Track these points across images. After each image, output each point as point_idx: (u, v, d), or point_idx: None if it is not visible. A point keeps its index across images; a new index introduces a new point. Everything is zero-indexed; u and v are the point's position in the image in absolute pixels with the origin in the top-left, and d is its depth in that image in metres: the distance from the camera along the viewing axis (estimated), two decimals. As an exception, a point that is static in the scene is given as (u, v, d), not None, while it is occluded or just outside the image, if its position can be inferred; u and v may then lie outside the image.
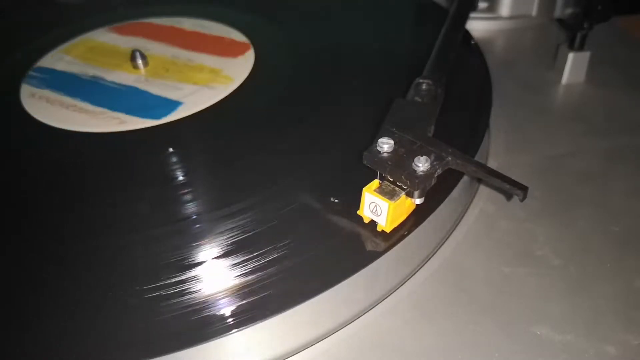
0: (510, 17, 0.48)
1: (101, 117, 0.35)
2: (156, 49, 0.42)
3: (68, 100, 0.37)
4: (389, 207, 0.24)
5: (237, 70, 0.38)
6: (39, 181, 0.31)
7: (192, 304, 0.23)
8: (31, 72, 0.40)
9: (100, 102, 0.36)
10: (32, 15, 0.50)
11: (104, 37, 0.44)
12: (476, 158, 0.30)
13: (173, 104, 0.35)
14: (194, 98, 0.36)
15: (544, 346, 0.24)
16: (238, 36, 0.42)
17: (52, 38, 0.44)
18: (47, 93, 0.38)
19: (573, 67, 0.40)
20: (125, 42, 0.43)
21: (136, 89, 0.38)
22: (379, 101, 0.30)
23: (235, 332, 0.22)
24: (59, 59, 0.42)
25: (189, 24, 0.45)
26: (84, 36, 0.44)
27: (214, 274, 0.24)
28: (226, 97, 0.36)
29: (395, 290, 0.26)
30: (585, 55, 0.40)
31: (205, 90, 0.36)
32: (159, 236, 0.26)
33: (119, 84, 0.38)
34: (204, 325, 0.22)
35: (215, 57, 0.40)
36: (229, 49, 0.40)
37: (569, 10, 0.48)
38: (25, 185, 0.31)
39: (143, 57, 0.40)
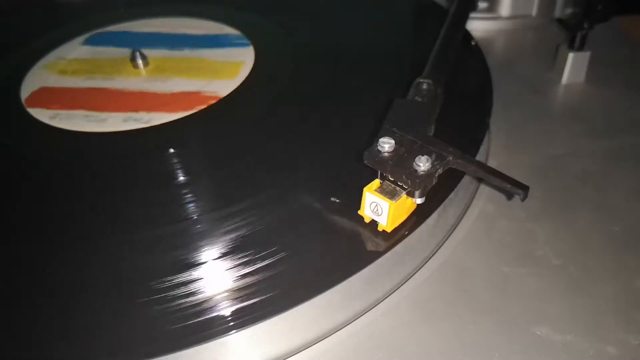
0: (510, 17, 0.48)
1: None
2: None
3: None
4: (389, 206, 0.24)
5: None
6: (40, 181, 0.31)
7: (193, 304, 0.23)
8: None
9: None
10: (32, 15, 0.50)
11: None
12: (476, 158, 0.30)
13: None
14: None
15: (544, 346, 0.24)
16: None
17: (52, 38, 0.44)
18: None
19: (573, 67, 0.40)
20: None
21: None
22: (379, 101, 0.30)
23: (235, 332, 0.22)
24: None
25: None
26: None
27: (214, 275, 0.24)
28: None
29: (395, 290, 0.26)
30: (585, 55, 0.40)
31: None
32: (159, 236, 0.26)
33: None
34: (204, 326, 0.22)
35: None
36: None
37: (569, 10, 0.48)
38: (25, 184, 0.31)
39: (143, 57, 0.40)
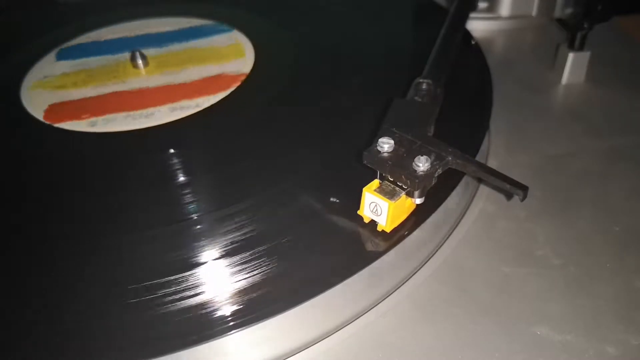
0: (510, 17, 0.48)
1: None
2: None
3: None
4: (389, 206, 0.24)
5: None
6: (41, 179, 0.31)
7: (193, 304, 0.23)
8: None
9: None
10: (32, 15, 0.50)
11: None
12: (476, 158, 0.30)
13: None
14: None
15: (544, 346, 0.24)
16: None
17: (52, 38, 0.44)
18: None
19: (573, 67, 0.40)
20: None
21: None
22: (378, 101, 0.30)
23: (235, 332, 0.22)
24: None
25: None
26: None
27: (214, 275, 0.24)
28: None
29: (395, 290, 0.26)
30: (585, 55, 0.40)
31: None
32: (159, 236, 0.26)
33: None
34: (204, 326, 0.22)
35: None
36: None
37: (569, 10, 0.48)
38: (26, 182, 0.31)
39: (143, 57, 0.40)
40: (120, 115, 0.35)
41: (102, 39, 0.45)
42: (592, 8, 0.38)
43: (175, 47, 0.42)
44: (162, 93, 0.37)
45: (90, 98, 0.38)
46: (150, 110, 0.35)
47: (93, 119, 0.35)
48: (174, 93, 0.37)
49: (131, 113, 0.35)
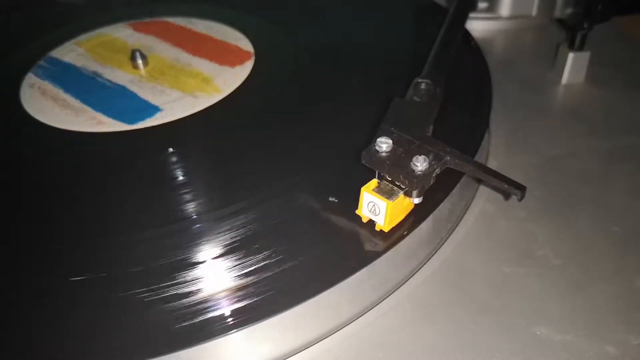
0: (510, 17, 0.48)
1: (82, 116, 0.36)
2: (162, 49, 0.42)
3: (61, 94, 0.38)
4: (387, 206, 0.24)
5: (229, 80, 0.38)
6: (37, 178, 0.31)
7: (192, 304, 0.23)
8: (41, 62, 0.42)
9: (87, 100, 0.37)
10: (35, 14, 0.51)
11: (118, 32, 0.45)
12: (476, 158, 0.30)
13: (152, 110, 0.36)
14: (175, 105, 0.36)
15: (544, 346, 0.24)
16: (245, 44, 0.42)
17: (69, 30, 0.45)
18: (46, 85, 0.39)
19: (573, 67, 0.40)
20: (136, 39, 0.44)
21: (125, 89, 0.38)
22: (378, 101, 0.30)
23: (235, 332, 0.22)
24: (70, 50, 0.43)
25: (201, 26, 0.45)
26: (100, 30, 0.45)
27: (214, 274, 0.24)
28: (205, 109, 0.35)
29: (395, 290, 0.26)
30: (585, 55, 0.40)
31: (188, 99, 0.36)
32: (158, 236, 0.26)
33: (113, 83, 0.39)
34: (204, 325, 0.22)
35: (214, 64, 0.40)
36: (230, 57, 0.40)
37: (569, 10, 0.48)
38: (21, 181, 0.31)
39: (143, 57, 0.40)
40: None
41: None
42: (592, 8, 0.38)
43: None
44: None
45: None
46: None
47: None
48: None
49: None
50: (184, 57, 0.41)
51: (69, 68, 0.41)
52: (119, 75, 0.40)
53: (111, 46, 0.43)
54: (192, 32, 0.45)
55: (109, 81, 0.39)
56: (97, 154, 0.33)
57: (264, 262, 0.24)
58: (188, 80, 0.38)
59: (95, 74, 0.40)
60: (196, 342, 0.21)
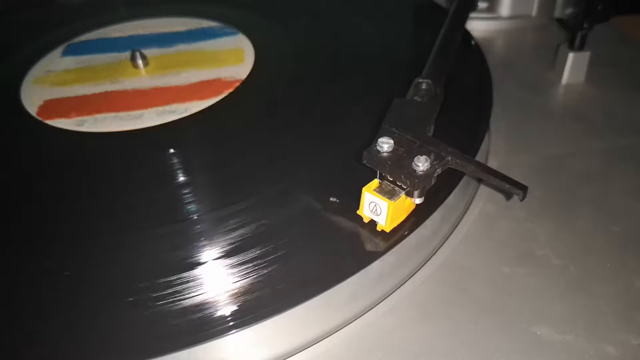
0: (510, 17, 0.48)
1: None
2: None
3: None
4: (388, 206, 0.24)
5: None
6: (43, 179, 0.31)
7: (192, 304, 0.23)
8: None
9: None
10: (41, 13, 0.50)
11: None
12: (476, 158, 0.30)
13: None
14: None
15: (544, 346, 0.24)
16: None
17: (51, 38, 0.44)
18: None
19: (573, 67, 0.40)
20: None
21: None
22: (378, 101, 0.30)
23: (234, 332, 0.22)
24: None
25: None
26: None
27: (214, 274, 0.24)
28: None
29: (395, 290, 0.26)
30: (585, 55, 0.40)
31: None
32: (158, 236, 0.26)
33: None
34: (204, 326, 0.22)
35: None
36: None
37: (569, 10, 0.48)
38: (27, 182, 0.31)
39: (143, 57, 0.40)
40: (110, 115, 0.35)
41: (111, 36, 0.45)
42: (592, 8, 0.38)
43: (180, 47, 0.42)
44: (155, 95, 0.37)
45: (84, 96, 0.38)
46: (140, 112, 0.35)
47: (82, 118, 0.35)
48: (166, 96, 0.37)
49: (120, 114, 0.35)
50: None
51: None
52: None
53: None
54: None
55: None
56: (97, 154, 0.33)
57: (265, 263, 0.24)
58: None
59: None
60: (196, 342, 0.21)
